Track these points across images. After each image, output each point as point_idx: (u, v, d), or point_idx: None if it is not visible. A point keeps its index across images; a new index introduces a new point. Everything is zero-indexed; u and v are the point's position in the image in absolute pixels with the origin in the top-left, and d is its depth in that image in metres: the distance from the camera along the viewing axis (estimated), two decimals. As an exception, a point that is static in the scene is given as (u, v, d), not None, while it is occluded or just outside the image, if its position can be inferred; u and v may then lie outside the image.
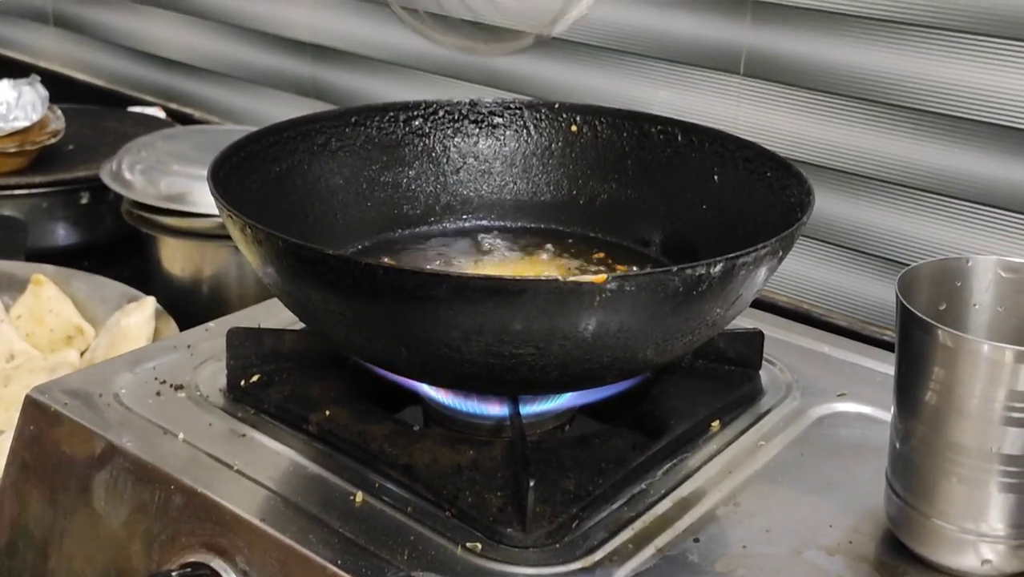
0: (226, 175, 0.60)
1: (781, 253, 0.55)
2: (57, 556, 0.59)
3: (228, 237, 0.96)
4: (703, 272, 0.50)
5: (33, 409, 0.61)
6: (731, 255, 0.51)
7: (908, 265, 0.54)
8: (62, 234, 1.11)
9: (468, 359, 0.51)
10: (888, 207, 0.80)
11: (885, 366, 0.69)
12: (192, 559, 0.53)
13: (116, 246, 1.08)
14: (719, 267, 0.50)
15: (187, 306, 0.93)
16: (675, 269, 0.50)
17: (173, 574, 0.51)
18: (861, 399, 0.65)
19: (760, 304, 0.82)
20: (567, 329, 0.50)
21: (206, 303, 0.96)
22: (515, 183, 0.74)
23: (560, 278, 0.48)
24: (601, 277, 0.47)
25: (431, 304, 0.49)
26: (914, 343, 0.50)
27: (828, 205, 0.83)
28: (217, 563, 0.52)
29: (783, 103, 0.85)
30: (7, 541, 0.62)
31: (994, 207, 0.75)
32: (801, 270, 0.86)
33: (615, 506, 0.55)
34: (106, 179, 0.99)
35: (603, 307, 0.49)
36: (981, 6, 0.72)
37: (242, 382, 0.63)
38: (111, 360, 0.67)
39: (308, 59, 1.18)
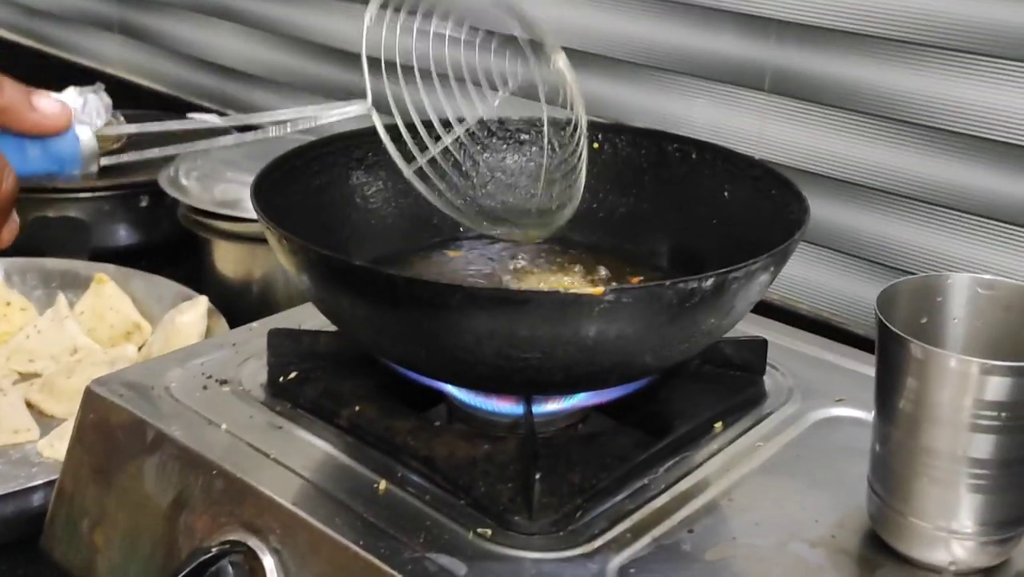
0: (269, 188, 0.65)
1: (773, 269, 0.59)
2: (109, 532, 0.65)
3: (276, 241, 1.03)
4: (695, 286, 0.55)
5: (93, 400, 0.67)
6: (722, 270, 0.55)
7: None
8: (123, 235, 1.18)
9: (481, 361, 0.56)
10: (912, 222, 0.84)
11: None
12: (231, 537, 0.59)
13: (173, 247, 1.14)
14: (711, 282, 0.55)
15: (237, 306, 0.99)
16: (668, 283, 0.54)
17: (214, 549, 0.57)
18: (857, 404, 0.69)
19: (778, 312, 0.86)
20: (569, 336, 0.54)
21: (255, 303, 1.03)
22: (539, 196, 0.79)
23: (561, 291, 0.53)
24: (599, 290, 0.52)
25: (446, 312, 0.54)
26: (890, 355, 0.54)
27: (850, 218, 0.87)
28: (253, 541, 0.58)
29: (805, 119, 0.89)
30: (66, 515, 0.68)
31: (1007, 223, 0.79)
32: (820, 280, 0.90)
33: (617, 499, 0.60)
34: (164, 185, 1.06)
35: (602, 317, 0.54)
36: (995, 29, 0.76)
37: (281, 378, 0.68)
38: (163, 356, 0.73)
39: (359, 70, 1.24)
